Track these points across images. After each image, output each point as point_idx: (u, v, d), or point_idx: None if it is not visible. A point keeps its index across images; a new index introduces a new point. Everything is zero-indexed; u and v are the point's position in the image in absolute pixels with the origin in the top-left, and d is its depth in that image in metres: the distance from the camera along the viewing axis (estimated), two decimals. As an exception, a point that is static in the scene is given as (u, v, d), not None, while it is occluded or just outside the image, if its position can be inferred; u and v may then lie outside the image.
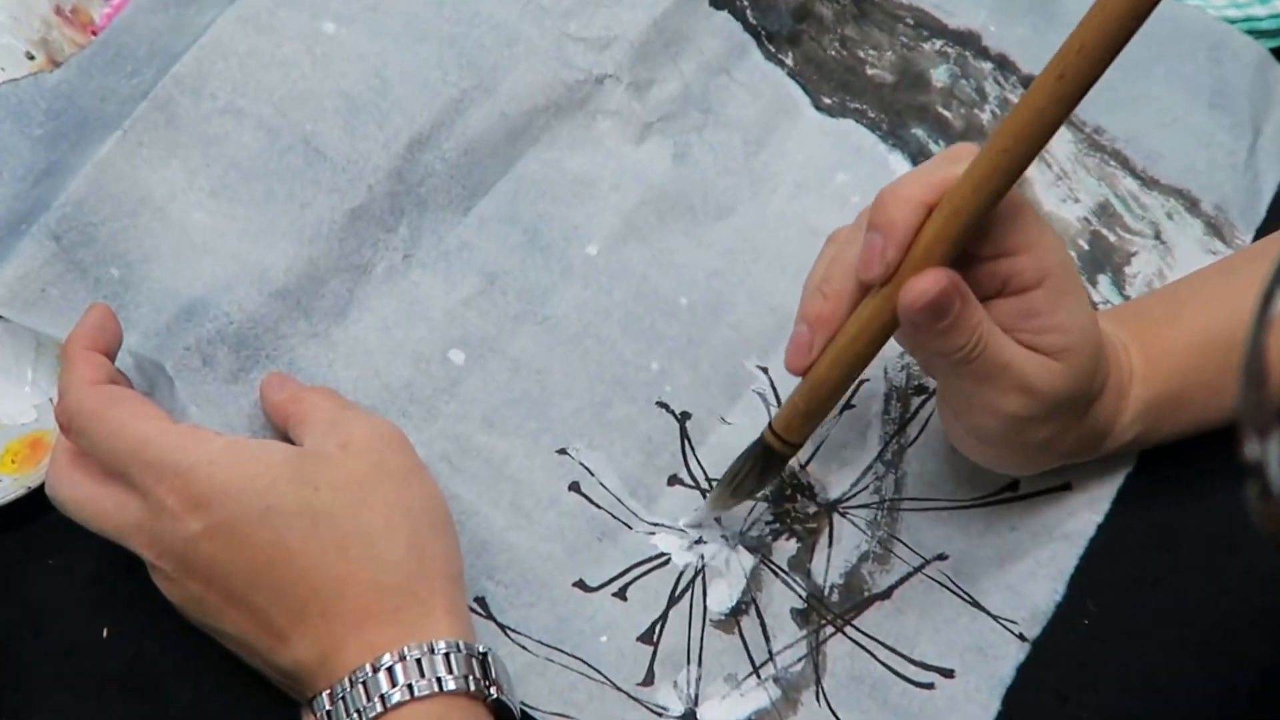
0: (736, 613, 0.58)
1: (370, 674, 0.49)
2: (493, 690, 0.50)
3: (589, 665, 0.56)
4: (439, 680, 0.49)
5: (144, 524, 0.51)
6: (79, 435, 0.53)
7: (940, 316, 0.50)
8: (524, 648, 0.56)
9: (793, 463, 0.61)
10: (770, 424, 0.55)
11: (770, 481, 0.57)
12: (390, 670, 0.49)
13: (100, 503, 0.52)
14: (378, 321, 0.62)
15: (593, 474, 0.60)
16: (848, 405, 0.62)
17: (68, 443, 0.53)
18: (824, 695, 0.56)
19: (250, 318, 0.59)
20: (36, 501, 0.56)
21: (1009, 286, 0.52)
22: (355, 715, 0.48)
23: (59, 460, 0.53)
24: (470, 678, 0.49)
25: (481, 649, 0.50)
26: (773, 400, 0.63)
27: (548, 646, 0.56)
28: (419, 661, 0.49)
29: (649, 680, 0.56)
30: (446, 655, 0.49)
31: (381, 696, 0.48)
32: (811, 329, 0.53)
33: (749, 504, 0.60)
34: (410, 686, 0.48)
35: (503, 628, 0.56)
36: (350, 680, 0.49)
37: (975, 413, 0.53)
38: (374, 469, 0.52)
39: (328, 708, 0.49)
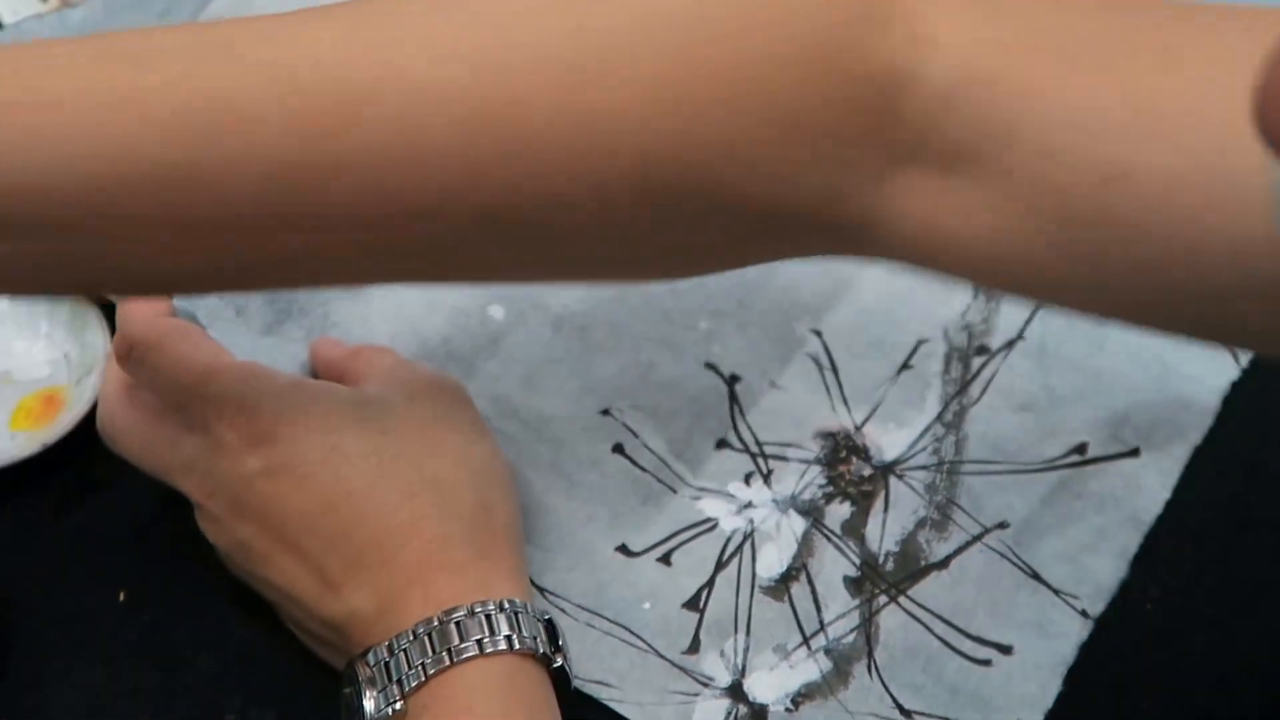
0: (786, 579, 0.55)
1: (438, 625, 0.47)
2: (558, 658, 0.48)
3: (631, 632, 0.54)
4: (509, 639, 0.47)
5: (198, 462, 0.50)
6: (138, 366, 0.51)
7: None
8: (563, 611, 0.54)
9: (847, 423, 0.58)
10: None
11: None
12: (460, 624, 0.47)
13: (153, 439, 0.51)
14: (416, 276, 0.60)
15: (637, 436, 0.58)
16: (905, 365, 0.60)
17: (121, 374, 0.52)
18: (876, 668, 0.53)
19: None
20: (51, 460, 0.54)
21: None
22: (419, 669, 0.46)
23: (111, 393, 0.52)
24: (539, 640, 0.47)
25: (546, 614, 0.49)
26: (826, 364, 0.60)
27: (588, 611, 0.54)
28: (488, 617, 0.47)
29: (694, 648, 0.53)
30: (516, 614, 0.47)
31: (451, 649, 0.46)
32: None
33: (801, 470, 0.58)
34: (480, 642, 0.46)
35: (541, 591, 0.54)
36: (414, 632, 0.47)
37: None
38: (440, 419, 0.51)
39: (386, 659, 0.47)
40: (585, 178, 0.40)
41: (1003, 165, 0.40)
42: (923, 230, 0.42)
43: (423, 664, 0.46)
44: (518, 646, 0.47)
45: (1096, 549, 0.56)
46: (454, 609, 0.47)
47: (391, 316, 0.59)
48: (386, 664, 0.47)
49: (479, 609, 0.47)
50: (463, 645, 0.46)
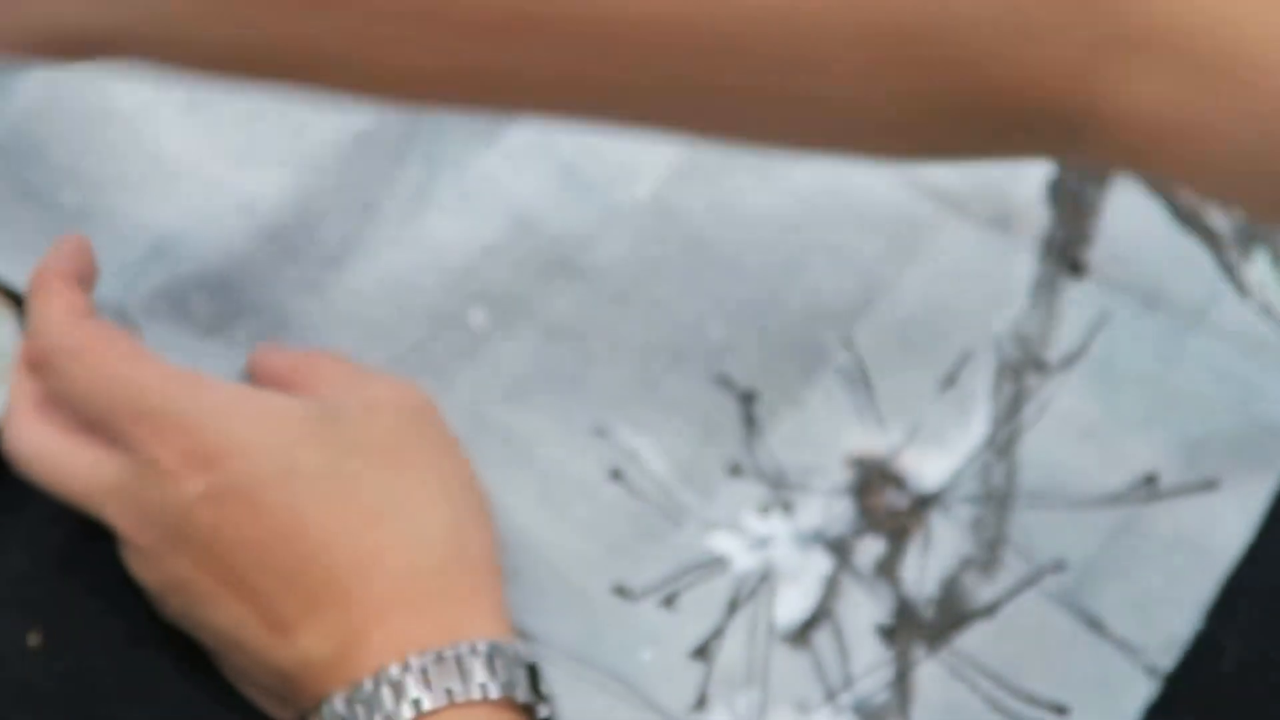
0: (809, 627, 0.59)
1: (400, 673, 0.50)
2: (544, 708, 0.51)
3: (627, 685, 0.57)
4: (483, 687, 0.50)
5: (124, 487, 0.52)
6: (55, 376, 0.54)
7: None
8: (549, 661, 0.57)
9: (881, 447, 0.62)
10: None
11: None
12: (424, 670, 0.50)
13: (70, 459, 0.53)
14: (383, 272, 0.63)
15: (638, 460, 0.61)
16: (949, 381, 0.63)
17: (32, 386, 0.54)
18: (912, 731, 0.57)
19: (232, 259, 0.61)
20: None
21: None
22: None
23: (20, 407, 0.54)
24: (518, 687, 0.51)
25: (529, 658, 0.52)
26: (858, 379, 0.64)
27: (578, 662, 0.58)
28: (460, 661, 0.50)
29: (701, 704, 0.57)
30: (490, 658, 0.51)
31: (414, 701, 0.49)
32: None
33: (828, 501, 0.61)
34: (449, 691, 0.50)
35: (524, 636, 0.57)
36: (375, 680, 0.50)
37: None
38: (406, 434, 0.54)
39: (342, 712, 0.50)
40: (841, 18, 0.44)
41: (1242, 59, 0.42)
42: (1153, 124, 0.45)
43: (385, 718, 0.50)
44: (495, 695, 0.50)
45: (1167, 596, 0.59)
46: (421, 653, 0.50)
47: (355, 319, 0.63)
48: (343, 719, 0.50)
49: (449, 652, 0.50)
50: (430, 695, 0.50)
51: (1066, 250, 0.66)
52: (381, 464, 0.53)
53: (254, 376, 0.60)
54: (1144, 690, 0.58)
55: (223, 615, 0.52)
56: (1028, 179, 0.67)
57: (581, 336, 0.63)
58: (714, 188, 0.66)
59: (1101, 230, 0.67)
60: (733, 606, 0.59)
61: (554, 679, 0.55)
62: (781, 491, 0.61)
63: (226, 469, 0.52)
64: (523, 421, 0.62)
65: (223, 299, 0.61)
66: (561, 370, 0.63)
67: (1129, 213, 0.67)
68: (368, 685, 0.50)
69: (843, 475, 0.62)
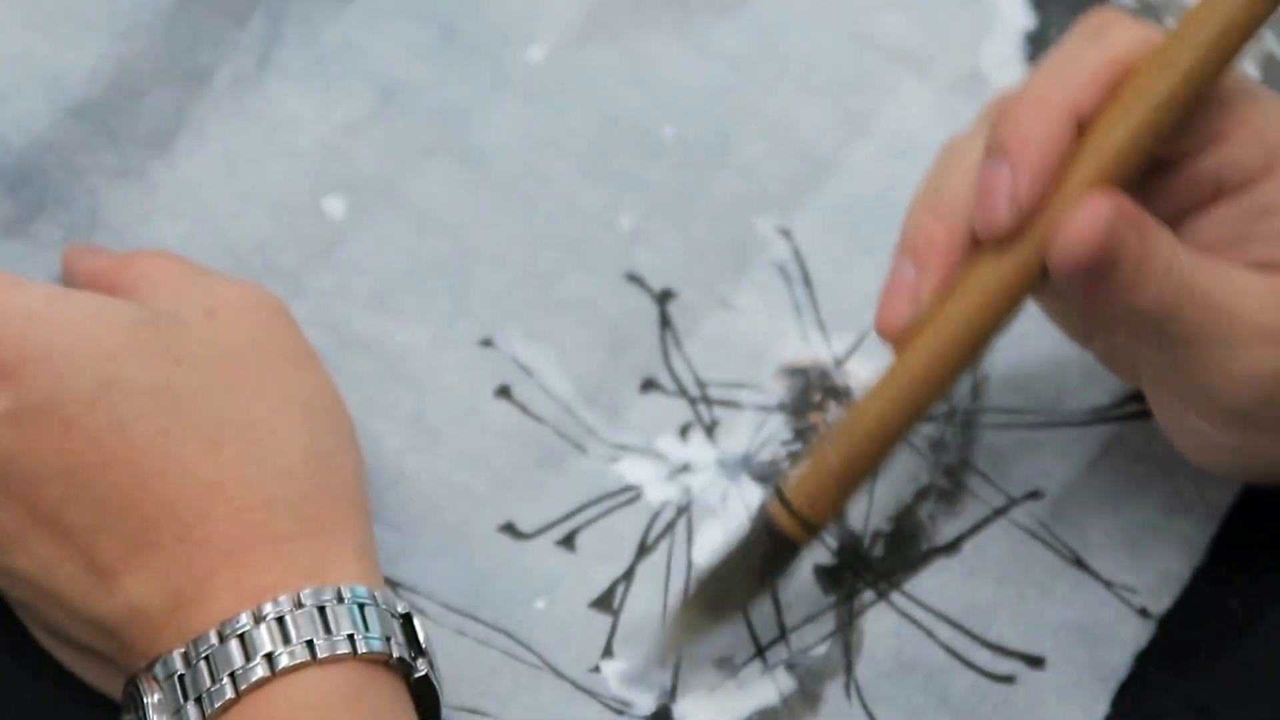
0: (734, 570, 0.60)
1: (251, 625, 0.51)
2: (420, 664, 0.53)
3: (518, 641, 0.59)
4: (351, 639, 0.51)
5: None
6: None
7: (1110, 269, 0.51)
8: (424, 613, 0.58)
9: (826, 356, 0.64)
10: (778, 490, 0.56)
11: (773, 587, 0.58)
12: (280, 621, 0.51)
13: None
14: (219, 154, 0.64)
15: (532, 374, 0.63)
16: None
17: None
18: (857, 688, 0.59)
19: (36, 143, 0.62)
20: None
21: (1224, 186, 0.54)
22: (226, 682, 0.50)
23: None
24: (392, 641, 0.52)
25: (402, 608, 0.53)
26: (797, 276, 0.65)
27: (458, 613, 0.59)
28: (322, 610, 0.51)
29: (602, 662, 0.59)
30: (361, 606, 0.52)
31: (267, 656, 0.50)
32: (919, 264, 0.54)
33: (759, 420, 0.63)
34: (312, 644, 0.51)
35: (394, 585, 0.59)
36: (220, 634, 0.51)
37: (1209, 392, 0.54)
38: (254, 343, 0.55)
39: (180, 671, 0.51)
40: None
41: None
42: None
43: (232, 676, 0.51)
44: (363, 650, 0.51)
45: (1161, 528, 0.61)
46: (276, 600, 0.51)
47: (185, 212, 0.64)
48: (182, 678, 0.51)
49: (309, 599, 0.51)
50: (288, 649, 0.51)
51: (1048, 118, 0.67)
52: (223, 379, 0.54)
53: (69, 281, 0.60)
54: (1134, 635, 0.60)
55: (29, 559, 0.53)
56: (1000, 32, 0.69)
57: (460, 228, 0.64)
58: (622, 48, 0.67)
59: (1090, 94, 0.68)
60: (644, 546, 0.61)
61: (431, 632, 0.56)
62: (704, 409, 0.63)
63: (30, 384, 0.52)
64: (391, 331, 0.63)
65: (25, 191, 0.62)
66: (437, 269, 0.64)
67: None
68: (211, 638, 0.51)
69: (776, 389, 0.63)
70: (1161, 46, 0.52)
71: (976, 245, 0.53)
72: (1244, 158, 0.53)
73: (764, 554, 0.56)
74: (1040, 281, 0.53)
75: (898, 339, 0.54)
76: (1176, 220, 0.54)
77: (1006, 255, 0.52)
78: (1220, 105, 0.53)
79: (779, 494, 0.55)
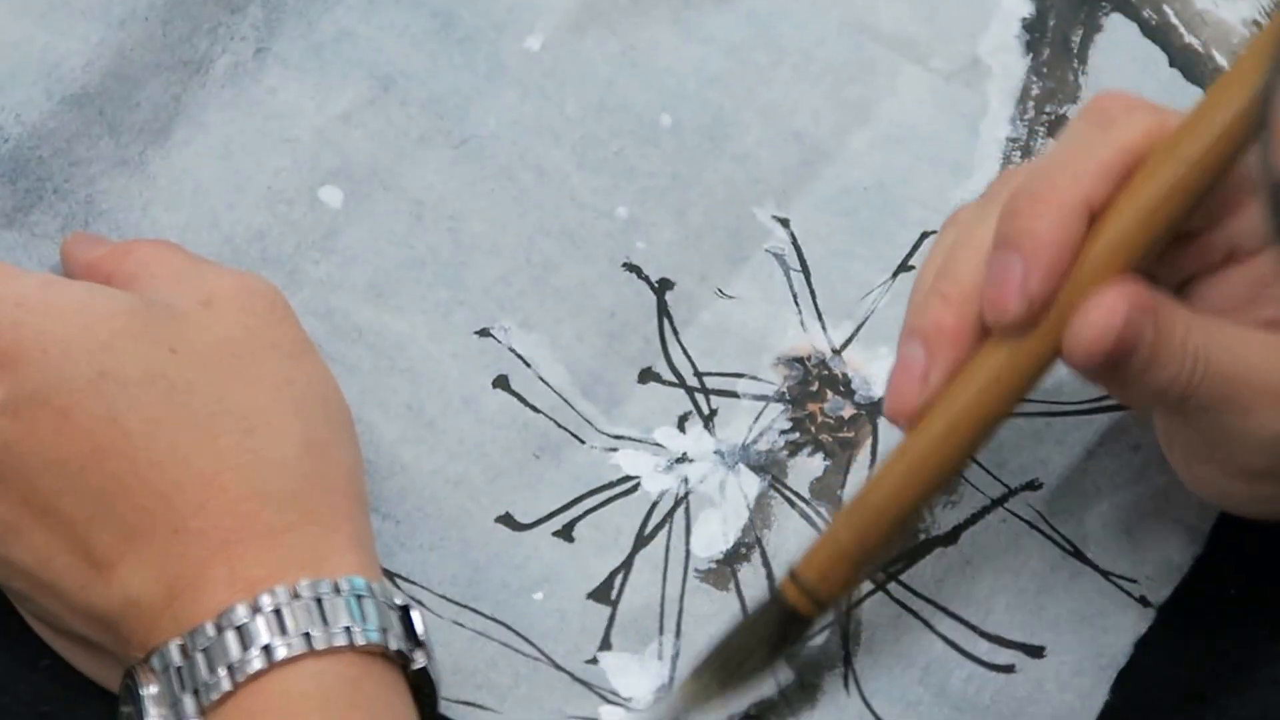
0: (733, 560, 0.60)
1: (248, 616, 0.51)
2: (418, 656, 0.52)
3: (515, 633, 0.59)
4: (349, 631, 0.51)
5: None
6: None
7: (1128, 357, 0.51)
8: (421, 604, 0.58)
9: (824, 345, 0.63)
10: (791, 570, 0.55)
11: (781, 661, 0.57)
12: (277, 612, 0.51)
13: None
14: (216, 144, 0.64)
15: (529, 364, 0.63)
16: (904, 266, 0.65)
17: None
18: (855, 679, 0.59)
19: (33, 133, 0.62)
20: None
21: (1236, 253, 0.54)
22: (223, 673, 0.50)
23: None
24: (389, 633, 0.52)
25: (400, 600, 0.53)
26: (795, 265, 0.65)
27: (456, 604, 0.59)
28: (319, 602, 0.51)
29: (600, 654, 0.59)
30: (358, 597, 0.52)
31: (264, 648, 0.50)
32: (929, 349, 0.54)
33: (757, 409, 0.62)
34: (309, 636, 0.51)
35: (391, 577, 0.59)
36: (216, 625, 0.51)
37: (1223, 452, 0.55)
38: (251, 334, 0.55)
39: (178, 663, 0.51)
40: None
41: None
42: None
43: (229, 667, 0.50)
44: (361, 642, 0.51)
45: (1161, 517, 0.61)
46: (273, 591, 0.51)
47: (181, 203, 0.63)
48: (179, 670, 0.51)
49: (306, 591, 0.51)
50: (285, 641, 0.51)
51: (1046, 107, 0.67)
52: (220, 369, 0.54)
53: (66, 271, 0.60)
54: (1134, 624, 0.59)
55: (25, 550, 0.53)
56: (999, 20, 0.68)
57: (457, 218, 0.64)
58: (619, 37, 0.67)
59: (1089, 82, 0.68)
60: (642, 537, 0.60)
61: (429, 623, 0.56)
62: (701, 399, 0.63)
63: (25, 373, 0.52)
64: (388, 321, 0.63)
65: (22, 181, 0.62)
66: (434, 258, 0.64)
67: (1122, 61, 0.68)
68: (208, 630, 0.51)
69: (775, 379, 0.63)
70: (1172, 137, 0.52)
71: (986, 329, 0.53)
72: (1257, 227, 0.53)
73: (775, 627, 0.56)
74: (1051, 364, 0.53)
75: (909, 420, 0.54)
76: (1186, 283, 0.55)
77: (1017, 343, 0.52)
78: (1232, 178, 0.52)
79: (790, 573, 0.55)
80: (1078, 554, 0.60)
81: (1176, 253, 0.54)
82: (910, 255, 0.65)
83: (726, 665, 0.56)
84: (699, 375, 0.63)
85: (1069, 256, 0.51)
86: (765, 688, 0.58)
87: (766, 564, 0.60)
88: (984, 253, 0.53)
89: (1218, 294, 0.54)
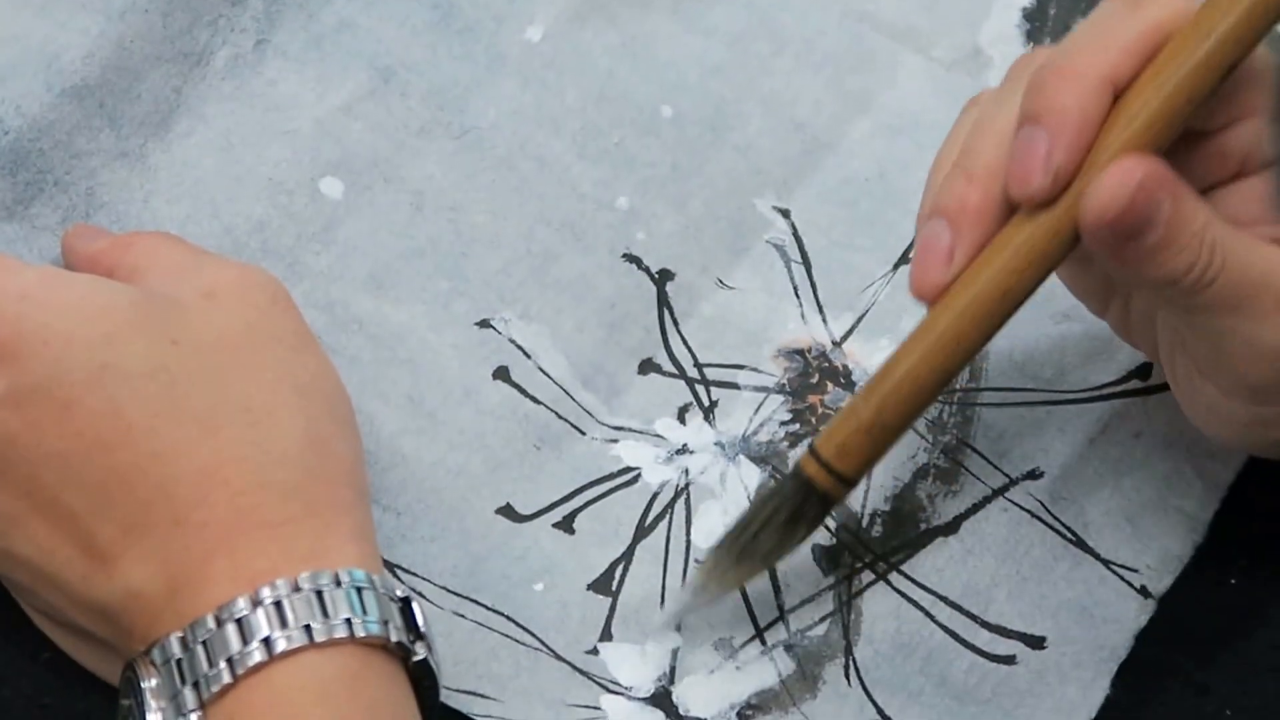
0: (732, 551, 0.60)
1: (248, 609, 0.50)
2: (419, 648, 0.52)
3: (516, 624, 0.58)
4: (349, 623, 0.51)
5: None
6: None
7: (1143, 229, 0.51)
8: (422, 595, 0.58)
9: (824, 337, 0.63)
10: (811, 445, 0.55)
11: (801, 541, 0.57)
12: (278, 605, 0.50)
13: None
14: (217, 136, 0.64)
15: (529, 355, 0.62)
16: (905, 258, 0.64)
17: None
18: (856, 669, 0.58)
19: (33, 125, 0.62)
20: None
21: (1249, 163, 0.54)
22: (224, 666, 0.50)
23: None
24: (390, 625, 0.52)
25: (401, 592, 0.53)
26: (796, 256, 0.65)
27: (457, 596, 0.59)
28: (320, 594, 0.51)
29: (601, 645, 0.58)
30: (359, 590, 0.51)
31: (264, 640, 0.50)
32: (953, 227, 0.53)
33: (757, 401, 0.62)
34: (310, 629, 0.50)
35: (392, 568, 0.58)
36: (217, 617, 0.51)
37: (1230, 362, 0.54)
38: (252, 327, 0.55)
39: (178, 655, 0.51)
40: None
41: None
42: None
43: (229, 660, 0.50)
44: (362, 634, 0.51)
45: (1162, 506, 0.61)
46: (274, 583, 0.51)
47: (182, 195, 0.63)
48: (179, 662, 0.51)
49: (307, 583, 0.51)
50: (285, 633, 0.50)
51: (1047, 96, 0.67)
52: (221, 362, 0.54)
53: (68, 263, 0.60)
54: (1135, 615, 0.59)
55: (27, 542, 0.53)
56: (1000, 9, 0.68)
57: (458, 209, 0.64)
58: (619, 27, 0.67)
59: (1090, 71, 0.68)
60: (642, 528, 0.60)
61: (430, 616, 0.56)
62: (702, 391, 0.63)
63: (27, 366, 0.52)
64: (388, 312, 0.62)
65: (22, 174, 0.62)
66: (434, 250, 0.63)
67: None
68: (208, 623, 0.51)
69: (776, 370, 0.63)
70: (1197, 15, 0.52)
71: (1008, 208, 0.53)
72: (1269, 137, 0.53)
73: (795, 506, 0.55)
74: (1073, 245, 0.52)
75: (933, 297, 0.54)
76: (1201, 194, 0.54)
77: (1040, 219, 0.52)
78: (1249, 82, 0.53)
79: (810, 447, 0.55)
80: (1079, 543, 0.60)
81: (1190, 158, 0.53)
82: (911, 246, 0.64)
83: (745, 545, 0.56)
84: (699, 366, 0.63)
85: (1093, 131, 0.52)
86: (766, 675, 0.58)
87: (767, 554, 0.60)
88: (1007, 132, 0.53)
89: (1230, 206, 0.54)
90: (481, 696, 0.57)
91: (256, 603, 0.50)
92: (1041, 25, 0.68)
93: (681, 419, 0.62)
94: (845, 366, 0.63)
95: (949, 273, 0.53)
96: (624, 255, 0.64)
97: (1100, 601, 0.59)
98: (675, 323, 0.63)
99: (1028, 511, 0.61)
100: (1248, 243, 0.53)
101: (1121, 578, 0.60)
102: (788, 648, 0.59)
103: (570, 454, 0.61)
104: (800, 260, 0.64)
